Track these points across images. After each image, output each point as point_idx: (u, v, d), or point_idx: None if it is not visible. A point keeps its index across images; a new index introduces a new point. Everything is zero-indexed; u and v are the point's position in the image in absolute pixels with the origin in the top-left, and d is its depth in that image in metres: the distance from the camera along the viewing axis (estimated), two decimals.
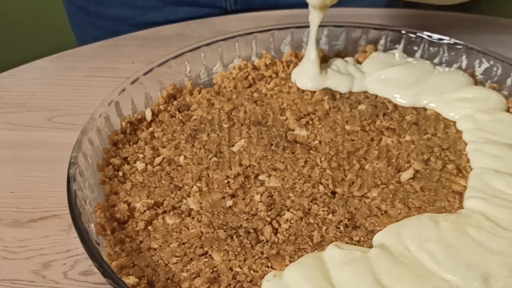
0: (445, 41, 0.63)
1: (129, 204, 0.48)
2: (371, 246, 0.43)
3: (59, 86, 0.68)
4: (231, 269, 0.42)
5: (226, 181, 0.49)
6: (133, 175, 0.51)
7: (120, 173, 0.51)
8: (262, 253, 0.43)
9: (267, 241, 0.44)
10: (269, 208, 0.47)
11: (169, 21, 0.79)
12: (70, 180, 0.46)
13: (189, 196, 0.48)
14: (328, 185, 0.49)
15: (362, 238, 0.44)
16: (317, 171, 0.50)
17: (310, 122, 0.55)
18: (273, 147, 0.52)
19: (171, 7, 0.82)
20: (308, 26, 0.65)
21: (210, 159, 0.51)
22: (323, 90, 0.59)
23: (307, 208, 0.47)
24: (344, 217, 0.46)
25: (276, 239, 0.44)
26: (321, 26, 0.65)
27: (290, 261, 0.42)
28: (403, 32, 0.64)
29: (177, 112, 0.58)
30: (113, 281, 0.39)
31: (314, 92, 0.59)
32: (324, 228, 0.45)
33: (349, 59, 0.63)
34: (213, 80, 0.63)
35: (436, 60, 0.63)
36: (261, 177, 0.50)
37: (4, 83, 0.68)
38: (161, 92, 0.59)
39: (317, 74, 0.59)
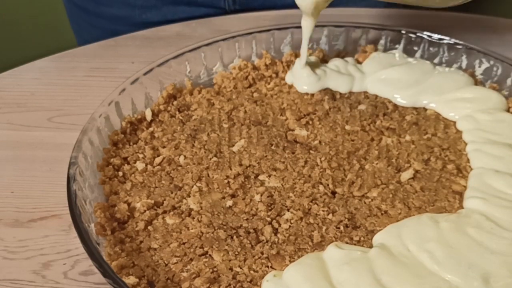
0: (445, 41, 0.63)
1: (129, 204, 0.48)
2: (371, 246, 0.43)
3: (59, 86, 0.68)
4: (231, 269, 0.42)
5: (226, 181, 0.49)
6: (133, 175, 0.51)
7: (120, 173, 0.51)
8: (262, 253, 0.43)
9: (267, 241, 0.44)
10: (269, 208, 0.47)
11: (168, 21, 0.79)
12: (70, 180, 0.46)
13: (189, 196, 0.48)
14: (328, 185, 0.49)
15: (362, 238, 0.44)
16: (317, 171, 0.50)
17: (310, 122, 0.55)
18: (273, 147, 0.52)
19: (170, 7, 0.82)
20: None
21: (210, 159, 0.51)
22: (323, 90, 0.59)
23: (307, 208, 0.47)
24: (344, 217, 0.46)
25: (276, 239, 0.44)
26: (321, 26, 0.66)
27: (290, 261, 0.42)
28: (403, 32, 0.64)
29: (177, 112, 0.58)
30: (113, 281, 0.39)
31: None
32: (324, 228, 0.45)
33: (349, 59, 0.63)
34: (213, 80, 0.63)
35: (436, 60, 0.63)
36: (261, 177, 0.50)
37: (4, 83, 0.68)
38: (161, 92, 0.59)
39: (311, 78, 0.59)
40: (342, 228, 0.45)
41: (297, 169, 0.50)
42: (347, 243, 0.44)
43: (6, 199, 0.53)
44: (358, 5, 0.78)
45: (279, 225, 0.45)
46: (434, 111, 0.57)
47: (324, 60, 0.64)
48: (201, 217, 0.46)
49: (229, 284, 0.41)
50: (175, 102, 0.59)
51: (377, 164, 0.51)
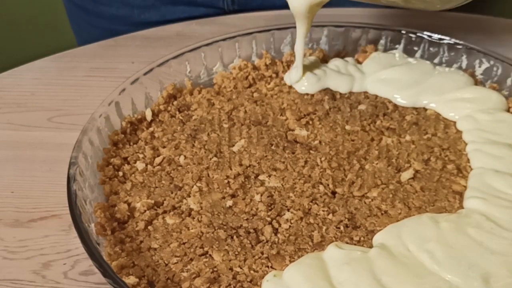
0: (445, 41, 0.63)
1: (129, 204, 0.48)
2: (371, 246, 0.43)
3: (59, 86, 0.68)
4: (231, 269, 0.42)
5: (226, 181, 0.49)
6: (133, 175, 0.51)
7: (120, 173, 0.51)
8: (262, 253, 0.43)
9: (267, 241, 0.44)
10: (269, 208, 0.47)
11: (167, 21, 0.79)
12: (70, 180, 0.46)
13: (189, 196, 0.48)
14: (328, 185, 0.49)
15: (362, 238, 0.44)
16: (317, 171, 0.50)
17: (310, 122, 0.55)
18: (273, 147, 0.52)
19: (169, 6, 0.82)
20: None
21: (210, 159, 0.51)
22: (323, 90, 0.59)
23: (307, 208, 0.47)
24: (344, 217, 0.46)
25: (276, 239, 0.44)
26: (321, 26, 0.66)
27: (290, 261, 0.42)
28: (403, 32, 0.64)
29: (177, 112, 0.58)
30: (113, 281, 0.39)
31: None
32: (324, 228, 0.45)
33: (349, 59, 0.63)
34: (213, 80, 0.63)
35: (436, 60, 0.63)
36: (261, 177, 0.50)
37: (4, 83, 0.68)
38: (161, 92, 0.59)
39: (311, 79, 0.59)
40: (342, 228, 0.45)
41: (297, 169, 0.50)
42: (347, 243, 0.44)
43: (6, 199, 0.53)
44: (356, 5, 0.78)
45: (279, 225, 0.45)
46: (434, 111, 0.57)
47: (324, 60, 0.64)
48: (201, 217, 0.46)
49: (229, 284, 0.41)
50: (175, 102, 0.59)
51: (377, 164, 0.51)
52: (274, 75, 0.62)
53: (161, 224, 0.46)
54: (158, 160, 0.52)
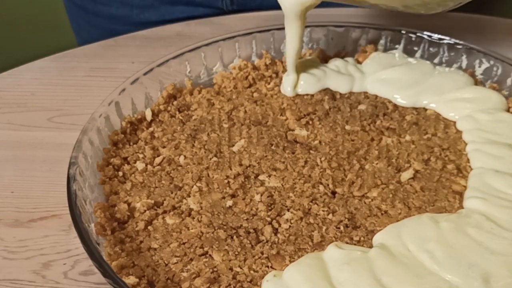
0: (445, 41, 0.63)
1: (129, 204, 0.48)
2: (371, 246, 0.43)
3: (59, 86, 0.68)
4: (231, 269, 0.42)
5: (226, 181, 0.49)
6: (133, 175, 0.51)
7: (120, 173, 0.51)
8: (262, 253, 0.43)
9: (267, 241, 0.44)
10: (269, 208, 0.47)
11: (166, 20, 0.79)
12: (70, 180, 0.46)
13: (189, 196, 0.48)
14: (328, 185, 0.49)
15: (362, 238, 0.44)
16: (317, 171, 0.50)
17: (310, 122, 0.55)
18: (273, 147, 0.52)
19: (168, 6, 0.82)
20: (307, 27, 0.65)
21: (210, 159, 0.51)
22: (323, 90, 0.59)
23: (307, 208, 0.47)
24: (344, 217, 0.46)
25: (276, 239, 0.44)
26: (321, 26, 0.66)
27: (290, 261, 0.42)
28: (403, 32, 0.64)
29: (177, 112, 0.58)
30: (113, 281, 0.39)
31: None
32: (324, 228, 0.45)
33: (349, 59, 0.63)
34: (213, 80, 0.63)
35: (436, 60, 0.63)
36: (261, 177, 0.50)
37: (4, 83, 0.68)
38: (161, 92, 0.59)
39: (311, 79, 0.59)
40: (342, 228, 0.45)
41: (297, 169, 0.50)
42: (347, 243, 0.44)
43: (6, 199, 0.53)
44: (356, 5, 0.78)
45: (279, 225, 0.45)
46: (434, 111, 0.57)
47: (324, 60, 0.64)
48: (201, 217, 0.46)
49: (229, 284, 0.41)
50: (175, 102, 0.59)
51: (377, 164, 0.51)
52: (274, 75, 0.62)
53: (161, 224, 0.46)
54: (158, 160, 0.52)
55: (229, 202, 0.47)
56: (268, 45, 0.65)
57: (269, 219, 0.46)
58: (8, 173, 0.56)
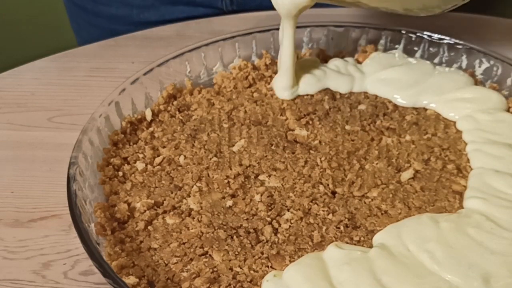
0: (445, 41, 0.63)
1: (129, 204, 0.48)
2: (371, 246, 0.43)
3: (59, 86, 0.68)
4: (231, 269, 0.42)
5: (226, 181, 0.49)
6: (133, 175, 0.51)
7: (120, 173, 0.51)
8: (262, 253, 0.43)
9: (267, 241, 0.44)
10: (269, 208, 0.47)
11: (166, 20, 0.79)
12: (70, 180, 0.46)
13: (189, 196, 0.48)
14: (328, 185, 0.49)
15: (362, 238, 0.44)
16: (317, 171, 0.50)
17: (310, 122, 0.55)
18: (273, 147, 0.52)
19: (168, 6, 0.82)
20: (308, 26, 0.65)
21: (210, 159, 0.51)
22: (323, 90, 0.59)
23: (307, 208, 0.47)
24: (344, 217, 0.46)
25: (276, 239, 0.44)
26: (321, 26, 0.66)
27: (290, 261, 0.42)
28: (403, 32, 0.64)
29: (177, 112, 0.58)
30: (113, 281, 0.39)
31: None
32: (324, 228, 0.45)
33: (349, 59, 0.63)
34: (213, 80, 0.63)
35: (436, 60, 0.63)
36: (261, 177, 0.50)
37: (4, 83, 0.68)
38: (161, 92, 0.59)
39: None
40: (342, 228, 0.45)
41: (297, 169, 0.50)
42: (347, 243, 0.44)
43: (6, 199, 0.53)
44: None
45: (279, 225, 0.45)
46: (434, 111, 0.57)
47: (324, 60, 0.64)
48: (201, 217, 0.46)
49: (229, 284, 0.41)
50: (175, 102, 0.59)
51: (377, 164, 0.51)
52: (274, 75, 0.62)
53: (161, 224, 0.46)
54: (158, 160, 0.52)
55: (229, 202, 0.47)
56: (268, 45, 0.65)
57: (269, 219, 0.46)
58: (8, 173, 0.56)
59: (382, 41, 0.66)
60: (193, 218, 0.46)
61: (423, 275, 0.39)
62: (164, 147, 0.54)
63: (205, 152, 0.52)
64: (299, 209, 0.46)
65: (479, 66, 0.61)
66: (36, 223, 0.51)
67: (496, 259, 0.40)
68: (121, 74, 0.65)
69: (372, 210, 0.47)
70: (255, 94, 0.60)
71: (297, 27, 0.62)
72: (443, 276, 0.39)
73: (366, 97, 0.59)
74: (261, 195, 0.47)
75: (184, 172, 0.50)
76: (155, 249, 0.44)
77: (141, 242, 0.45)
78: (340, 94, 0.59)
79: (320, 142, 0.53)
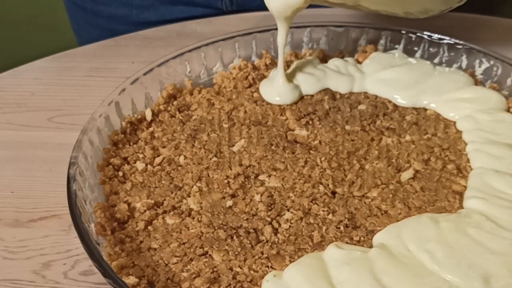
0: (445, 41, 0.63)
1: (129, 204, 0.48)
2: (371, 246, 0.43)
3: (59, 86, 0.68)
4: (231, 269, 0.42)
5: (226, 181, 0.49)
6: (133, 175, 0.51)
7: (120, 173, 0.51)
8: (262, 253, 0.43)
9: (267, 241, 0.44)
10: (269, 208, 0.47)
11: (165, 20, 0.79)
12: (70, 180, 0.46)
13: (189, 196, 0.48)
14: (328, 185, 0.49)
15: (362, 238, 0.44)
16: (317, 171, 0.50)
17: (310, 122, 0.55)
18: (273, 147, 0.52)
19: (167, 6, 0.82)
20: (307, 27, 0.66)
21: (210, 159, 0.51)
22: (323, 90, 0.59)
23: (307, 208, 0.47)
24: (344, 217, 0.46)
25: (276, 239, 0.44)
26: (321, 26, 0.66)
27: (290, 261, 0.42)
28: (403, 32, 0.64)
29: (177, 112, 0.58)
30: (113, 281, 0.39)
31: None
32: (324, 228, 0.45)
33: (349, 59, 0.63)
34: (213, 80, 0.63)
35: (436, 60, 0.63)
36: (261, 177, 0.50)
37: (4, 83, 0.68)
38: (161, 92, 0.59)
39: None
40: (342, 228, 0.45)
41: (297, 169, 0.50)
42: (347, 243, 0.44)
43: (6, 199, 0.53)
44: None
45: (279, 225, 0.45)
46: (434, 111, 0.57)
47: (324, 60, 0.64)
48: (201, 217, 0.46)
49: (229, 284, 0.41)
50: (175, 102, 0.59)
51: (377, 164, 0.51)
52: None
53: (161, 224, 0.46)
54: (158, 160, 0.52)
55: (229, 202, 0.47)
56: (268, 45, 0.65)
57: (269, 219, 0.46)
58: (8, 173, 0.56)
59: (382, 41, 0.66)
60: (193, 218, 0.46)
61: (423, 275, 0.39)
62: (164, 147, 0.54)
63: (205, 152, 0.52)
64: (299, 209, 0.46)
65: (479, 66, 0.61)
66: (36, 223, 0.51)
67: (496, 259, 0.40)
68: (121, 74, 0.65)
69: (372, 210, 0.47)
70: (255, 94, 0.60)
71: (297, 27, 0.63)
72: (443, 276, 0.39)
73: (366, 97, 0.59)
74: (261, 195, 0.47)
75: (184, 172, 0.50)
76: (155, 249, 0.44)
77: (141, 242, 0.45)
78: (340, 94, 0.59)
79: (320, 142, 0.53)
